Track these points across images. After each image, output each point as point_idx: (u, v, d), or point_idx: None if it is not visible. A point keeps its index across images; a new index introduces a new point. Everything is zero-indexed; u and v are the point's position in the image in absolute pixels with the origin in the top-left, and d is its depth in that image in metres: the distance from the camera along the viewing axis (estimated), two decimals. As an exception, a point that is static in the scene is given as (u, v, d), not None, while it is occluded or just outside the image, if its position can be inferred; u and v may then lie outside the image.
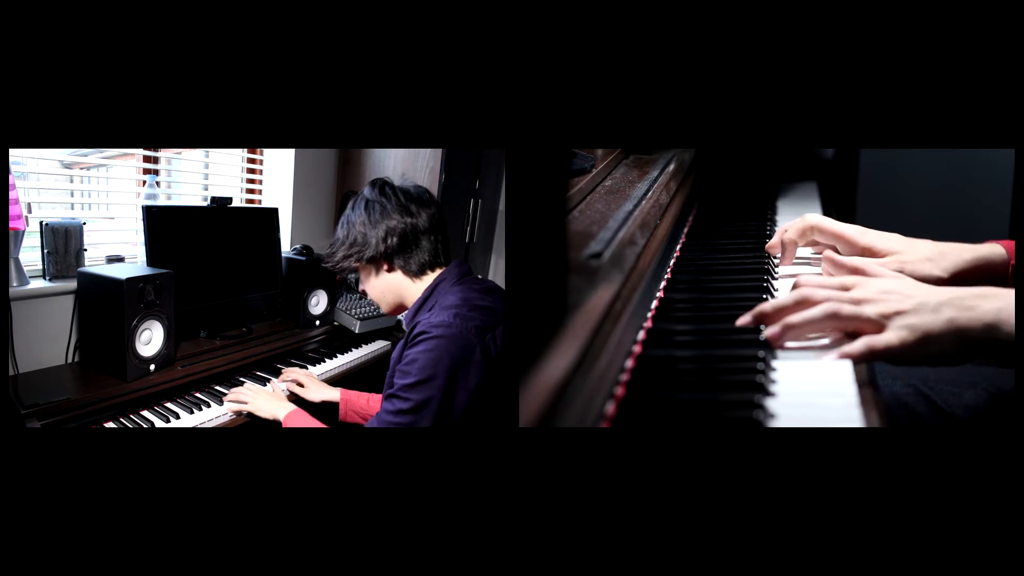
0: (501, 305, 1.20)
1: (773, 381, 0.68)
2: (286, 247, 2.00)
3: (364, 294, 1.61)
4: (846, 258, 0.88)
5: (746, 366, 0.69)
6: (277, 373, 1.59)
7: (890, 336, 0.69)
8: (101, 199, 1.87)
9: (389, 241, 1.20)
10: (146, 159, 1.84)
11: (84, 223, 1.51)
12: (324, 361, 1.76)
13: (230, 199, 1.78)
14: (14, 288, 1.34)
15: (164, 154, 1.89)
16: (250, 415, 1.38)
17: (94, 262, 1.59)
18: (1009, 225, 1.88)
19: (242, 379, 1.54)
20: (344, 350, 1.87)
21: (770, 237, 1.05)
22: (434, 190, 2.06)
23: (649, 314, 0.85)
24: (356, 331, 1.92)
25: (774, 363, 0.71)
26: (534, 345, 0.53)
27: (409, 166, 2.16)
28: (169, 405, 1.36)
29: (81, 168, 1.79)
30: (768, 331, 0.75)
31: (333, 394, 1.49)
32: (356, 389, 1.52)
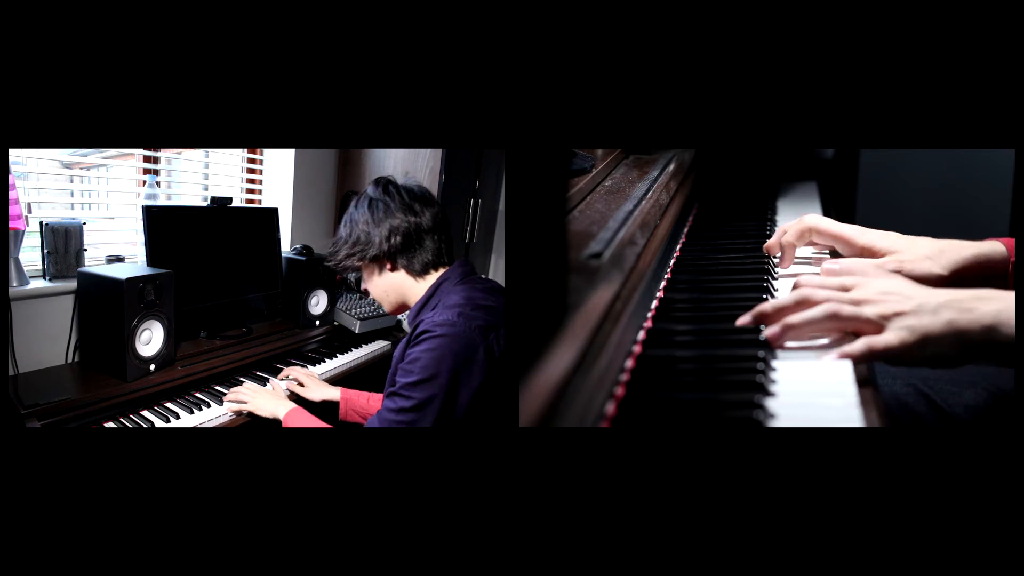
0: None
1: (773, 381, 0.68)
2: (286, 247, 2.00)
3: (364, 294, 1.61)
4: (841, 262, 0.88)
5: (746, 366, 0.69)
6: (277, 373, 1.58)
7: (890, 337, 0.69)
8: (101, 199, 1.87)
9: (392, 240, 1.20)
10: (146, 159, 1.84)
11: (84, 223, 1.51)
12: (324, 361, 1.76)
13: (230, 199, 1.78)
14: (14, 288, 1.34)
15: (164, 154, 1.89)
16: (250, 414, 1.37)
17: (94, 262, 1.59)
18: (1009, 225, 1.87)
19: (242, 379, 1.54)
20: (344, 350, 1.87)
21: (770, 237, 1.05)
22: (434, 190, 2.06)
23: (649, 314, 0.85)
24: (356, 331, 1.92)
25: (774, 363, 0.71)
26: (534, 345, 0.53)
27: (409, 166, 2.16)
28: (169, 405, 1.36)
29: (81, 168, 1.79)
30: (768, 331, 0.75)
31: (333, 393, 1.49)
32: (356, 389, 1.52)
